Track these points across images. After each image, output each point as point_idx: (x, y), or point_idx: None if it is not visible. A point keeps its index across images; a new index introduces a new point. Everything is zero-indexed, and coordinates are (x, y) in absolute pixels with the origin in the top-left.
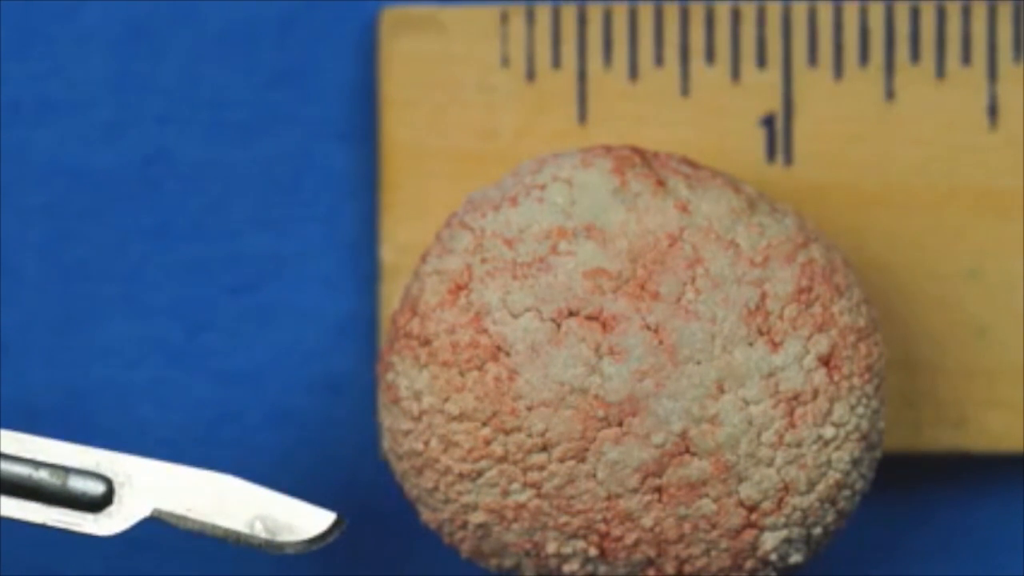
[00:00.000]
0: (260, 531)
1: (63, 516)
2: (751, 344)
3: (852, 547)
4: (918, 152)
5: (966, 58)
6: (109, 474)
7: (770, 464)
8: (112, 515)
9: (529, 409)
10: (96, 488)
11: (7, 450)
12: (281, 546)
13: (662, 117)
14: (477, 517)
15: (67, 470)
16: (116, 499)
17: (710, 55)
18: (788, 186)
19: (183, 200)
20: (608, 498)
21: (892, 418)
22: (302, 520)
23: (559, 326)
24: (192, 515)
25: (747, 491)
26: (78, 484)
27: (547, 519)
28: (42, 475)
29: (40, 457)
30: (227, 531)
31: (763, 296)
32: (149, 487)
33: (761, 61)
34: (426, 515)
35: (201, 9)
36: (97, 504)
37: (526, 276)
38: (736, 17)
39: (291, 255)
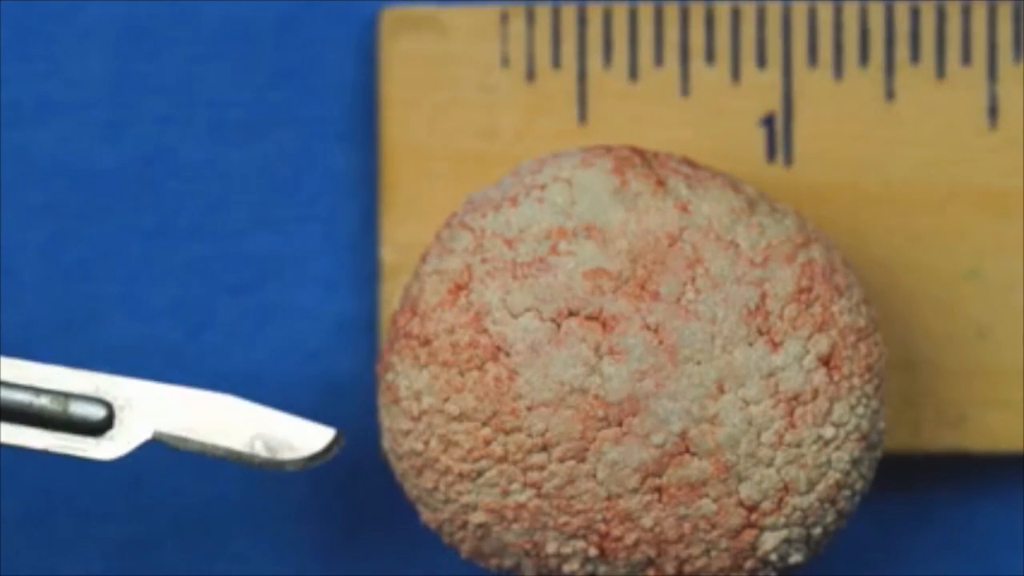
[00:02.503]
0: (260, 450)
1: (65, 441)
2: (751, 344)
3: (852, 547)
4: (918, 152)
5: (966, 58)
6: (109, 398)
7: (770, 464)
8: (114, 438)
9: (529, 409)
10: (97, 412)
11: (7, 377)
12: (281, 464)
13: (662, 117)
14: (477, 517)
15: (67, 396)
16: (117, 423)
17: (710, 55)
18: (788, 186)
19: (183, 200)
20: (608, 498)
21: (892, 418)
22: (301, 437)
23: (559, 326)
24: (193, 436)
25: (747, 491)
26: (79, 409)
27: (547, 519)
28: (43, 402)
29: (40, 383)
30: (228, 451)
31: (763, 296)
32: (149, 410)
33: (761, 61)
34: (426, 515)
35: (201, 9)
36: (98, 428)
37: (526, 276)
38: (736, 17)
39: (291, 255)
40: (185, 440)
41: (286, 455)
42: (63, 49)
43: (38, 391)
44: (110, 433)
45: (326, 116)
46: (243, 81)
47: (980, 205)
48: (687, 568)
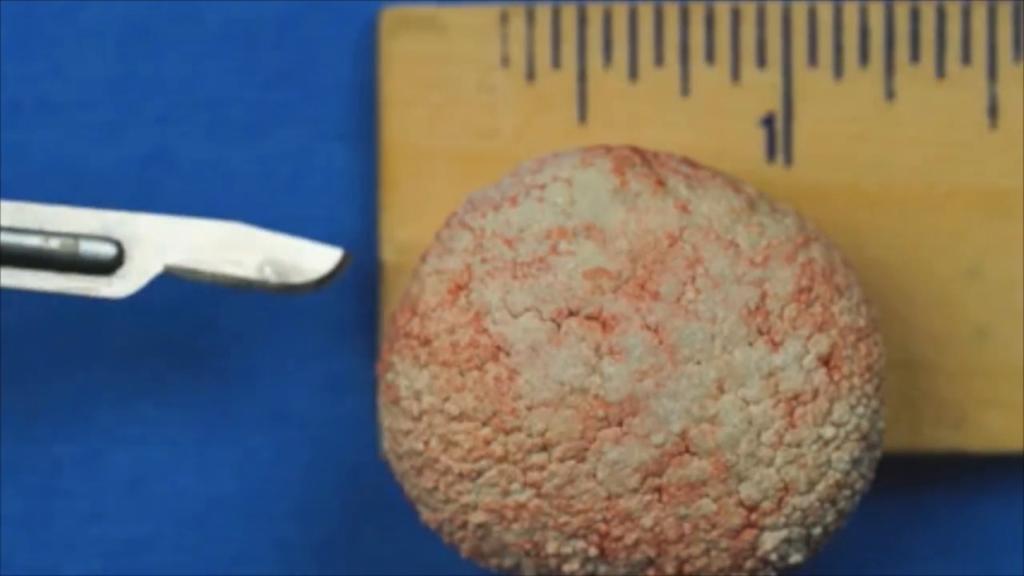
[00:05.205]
0: (270, 276)
1: (78, 282)
2: (751, 344)
3: (852, 547)
4: (918, 152)
5: (966, 58)
6: (118, 236)
7: (770, 464)
8: (125, 276)
9: (529, 409)
10: (107, 251)
11: (15, 222)
12: (293, 287)
13: (662, 117)
14: (477, 517)
15: (76, 237)
16: (127, 259)
17: (710, 55)
18: (788, 186)
19: (183, 200)
20: (608, 498)
21: (892, 418)
22: (310, 260)
23: (559, 326)
24: (203, 267)
25: (747, 491)
26: (89, 249)
27: (547, 519)
28: (53, 245)
29: (49, 226)
30: (238, 279)
31: (763, 296)
32: (158, 244)
33: (761, 61)
34: (426, 515)
35: (201, 9)
36: (109, 267)
37: (526, 276)
38: (736, 17)
39: None
40: (195, 272)
41: (296, 279)
42: (63, 49)
43: (47, 234)
44: (121, 271)
45: (326, 116)
46: (243, 81)
47: (980, 205)
48: (687, 568)
